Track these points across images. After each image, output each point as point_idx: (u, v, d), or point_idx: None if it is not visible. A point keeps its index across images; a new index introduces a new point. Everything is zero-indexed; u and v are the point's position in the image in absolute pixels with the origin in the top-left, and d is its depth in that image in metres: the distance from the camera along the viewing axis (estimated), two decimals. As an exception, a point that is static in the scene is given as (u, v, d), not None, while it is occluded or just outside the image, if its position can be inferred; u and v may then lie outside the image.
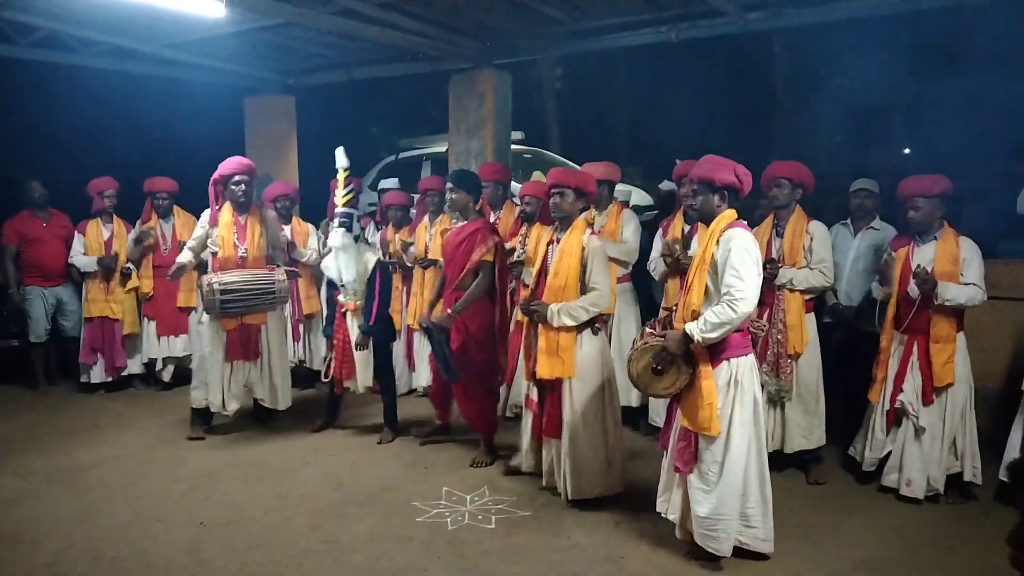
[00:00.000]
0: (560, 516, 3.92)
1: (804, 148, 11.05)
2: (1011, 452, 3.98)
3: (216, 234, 4.99)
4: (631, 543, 3.62)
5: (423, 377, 5.86)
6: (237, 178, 4.98)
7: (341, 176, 4.86)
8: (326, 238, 5.41)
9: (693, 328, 3.19)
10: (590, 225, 5.05)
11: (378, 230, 6.54)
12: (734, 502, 3.27)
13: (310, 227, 6.28)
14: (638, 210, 5.83)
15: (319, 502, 4.11)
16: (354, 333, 4.94)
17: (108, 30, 6.43)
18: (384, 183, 7.34)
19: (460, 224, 4.69)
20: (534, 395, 4.14)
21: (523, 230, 5.10)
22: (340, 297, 4.94)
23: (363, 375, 5.02)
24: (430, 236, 5.85)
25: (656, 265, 4.83)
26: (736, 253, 3.17)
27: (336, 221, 4.86)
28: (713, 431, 3.22)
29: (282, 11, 5.46)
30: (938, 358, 3.98)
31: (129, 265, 6.22)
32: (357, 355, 4.96)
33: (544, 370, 3.94)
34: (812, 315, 4.39)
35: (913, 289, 3.99)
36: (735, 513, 3.28)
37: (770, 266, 4.13)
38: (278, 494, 4.21)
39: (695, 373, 3.28)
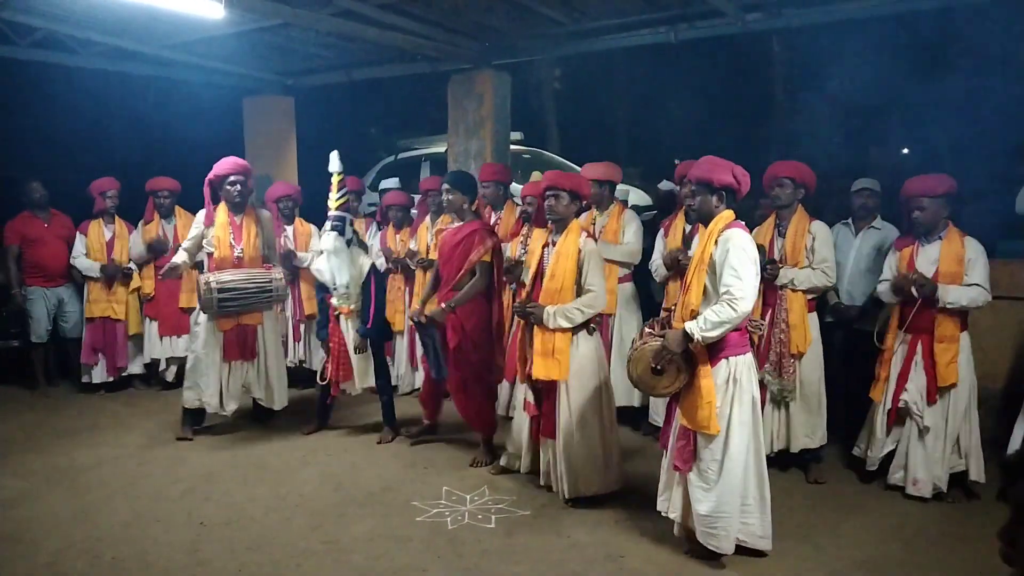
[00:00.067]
0: (560, 515, 3.92)
1: (803, 148, 11.05)
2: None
3: (212, 234, 4.99)
4: (631, 542, 3.62)
5: (424, 377, 5.86)
6: (232, 178, 4.98)
7: (335, 180, 4.86)
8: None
9: (693, 327, 3.20)
10: (591, 226, 5.08)
11: (379, 230, 6.54)
12: (734, 500, 3.27)
13: (312, 228, 6.27)
14: (637, 210, 5.84)
15: (319, 502, 4.11)
16: (349, 336, 4.94)
17: (107, 31, 6.42)
18: (385, 183, 7.32)
19: (456, 224, 4.69)
20: (531, 398, 4.15)
21: (524, 230, 5.12)
22: (332, 300, 4.93)
23: (363, 377, 5.02)
24: (432, 236, 5.85)
25: (657, 267, 4.86)
26: (734, 253, 3.19)
27: (328, 224, 4.85)
28: (712, 429, 3.23)
29: (281, 12, 5.46)
30: (942, 358, 3.97)
31: (131, 266, 6.23)
32: (355, 358, 4.96)
33: (540, 371, 3.95)
34: (815, 315, 4.39)
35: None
36: (735, 511, 3.28)
37: (771, 267, 4.14)
38: (278, 494, 4.21)
39: (694, 372, 3.28)
